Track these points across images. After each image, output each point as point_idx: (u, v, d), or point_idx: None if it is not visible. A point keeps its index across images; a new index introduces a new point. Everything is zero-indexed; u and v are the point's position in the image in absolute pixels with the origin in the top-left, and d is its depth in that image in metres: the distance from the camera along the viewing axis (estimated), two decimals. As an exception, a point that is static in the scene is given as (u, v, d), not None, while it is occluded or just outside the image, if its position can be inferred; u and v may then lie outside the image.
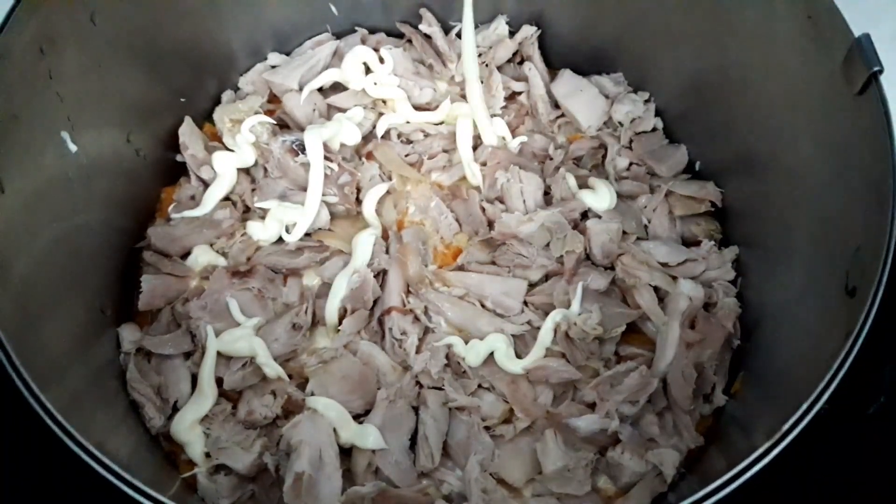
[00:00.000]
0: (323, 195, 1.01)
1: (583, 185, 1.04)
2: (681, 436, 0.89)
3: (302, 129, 1.05)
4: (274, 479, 0.87)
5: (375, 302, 0.97)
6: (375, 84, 1.11)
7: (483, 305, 0.97)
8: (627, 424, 0.88)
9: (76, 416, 0.67)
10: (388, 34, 1.18)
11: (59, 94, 0.85)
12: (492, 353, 0.93)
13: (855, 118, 0.77)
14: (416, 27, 1.16)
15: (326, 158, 1.02)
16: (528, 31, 1.14)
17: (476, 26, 1.17)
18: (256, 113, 1.07)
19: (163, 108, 1.06)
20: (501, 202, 1.04)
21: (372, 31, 1.18)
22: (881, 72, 0.74)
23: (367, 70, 1.13)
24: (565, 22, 1.14)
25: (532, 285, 0.99)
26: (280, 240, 1.02)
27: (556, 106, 1.14)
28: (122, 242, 1.00)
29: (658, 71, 1.10)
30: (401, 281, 0.98)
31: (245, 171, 1.06)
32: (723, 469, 0.66)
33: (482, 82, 1.13)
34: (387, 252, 1.00)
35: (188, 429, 0.88)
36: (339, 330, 0.95)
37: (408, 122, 1.11)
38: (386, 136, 1.11)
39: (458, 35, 1.17)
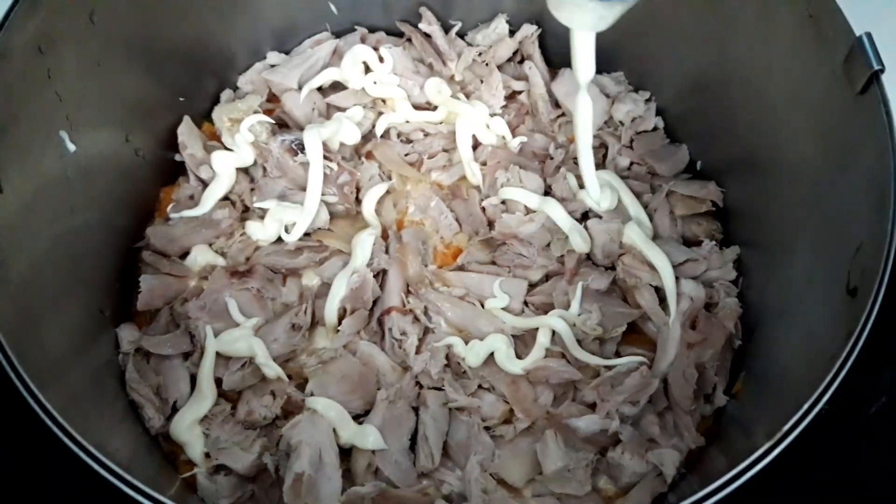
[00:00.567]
0: (322, 195, 1.01)
1: (583, 184, 1.04)
2: (681, 436, 0.89)
3: (301, 129, 1.04)
4: (274, 479, 0.87)
5: (375, 302, 0.97)
6: (375, 83, 1.11)
7: (483, 306, 0.97)
8: (628, 425, 0.88)
9: (75, 417, 0.67)
10: (388, 33, 1.18)
11: (58, 93, 0.85)
12: (492, 354, 0.92)
13: (856, 117, 0.77)
14: (415, 26, 1.16)
15: (326, 158, 1.02)
16: (529, 30, 1.14)
17: (476, 25, 1.17)
18: (255, 112, 1.06)
19: (162, 108, 1.06)
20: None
21: (371, 30, 1.17)
22: (882, 71, 0.74)
23: (367, 69, 1.12)
24: (565, 21, 1.13)
25: (532, 285, 0.99)
26: (279, 240, 1.01)
27: (557, 105, 1.14)
28: (121, 242, 1.00)
29: (659, 70, 1.10)
30: (400, 281, 0.98)
31: (244, 171, 1.06)
32: (723, 469, 0.66)
33: (482, 81, 1.13)
34: (386, 252, 1.00)
35: (187, 429, 0.88)
36: (338, 330, 0.95)
37: (407, 122, 1.11)
38: (385, 135, 1.10)
39: (458, 34, 1.17)
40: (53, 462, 0.72)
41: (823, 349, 0.71)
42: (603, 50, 1.13)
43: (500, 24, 1.14)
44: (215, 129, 1.10)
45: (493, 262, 1.01)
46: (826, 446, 0.84)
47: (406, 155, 1.09)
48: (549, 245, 1.00)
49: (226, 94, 1.14)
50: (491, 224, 1.02)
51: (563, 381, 0.91)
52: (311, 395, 0.90)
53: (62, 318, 0.83)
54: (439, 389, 0.91)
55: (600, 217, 1.00)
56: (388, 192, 1.07)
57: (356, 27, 1.17)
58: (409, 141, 1.11)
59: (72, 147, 0.88)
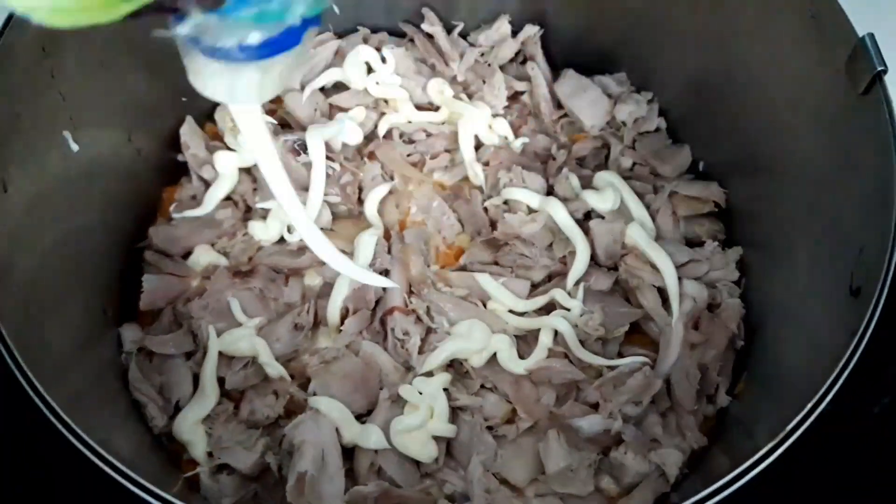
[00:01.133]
0: (325, 195, 1.01)
1: (586, 185, 1.04)
2: (684, 436, 0.89)
3: (303, 129, 1.04)
4: (277, 478, 0.87)
5: (377, 302, 0.97)
6: (377, 84, 1.11)
7: (485, 306, 0.97)
8: (630, 425, 0.88)
9: (79, 415, 0.67)
10: (391, 34, 1.18)
11: (62, 93, 0.85)
12: (494, 354, 0.93)
13: (859, 118, 0.77)
14: (418, 27, 1.16)
15: (328, 158, 1.02)
16: (531, 31, 1.14)
17: (478, 25, 1.17)
18: (258, 112, 1.06)
19: (164, 108, 1.06)
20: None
21: (374, 31, 1.17)
22: (885, 72, 0.74)
23: (369, 70, 1.13)
24: (568, 21, 1.14)
25: (535, 286, 0.99)
26: (282, 240, 1.01)
27: (559, 106, 1.14)
28: (124, 242, 1.00)
29: (661, 71, 1.10)
30: (403, 281, 0.98)
31: (246, 171, 1.06)
32: (726, 469, 0.66)
33: (485, 82, 1.13)
34: (389, 252, 1.00)
35: (190, 428, 0.88)
36: (340, 330, 0.95)
37: (410, 122, 1.11)
38: (388, 135, 1.10)
39: (461, 35, 1.17)
40: (58, 460, 0.72)
41: (826, 349, 0.71)
42: (606, 50, 1.14)
43: (503, 25, 1.14)
44: (218, 129, 1.10)
45: (496, 263, 1.01)
46: (829, 447, 0.84)
47: (408, 155, 1.09)
48: (551, 245, 1.00)
49: (228, 95, 1.14)
50: (493, 224, 1.02)
51: (566, 381, 0.91)
52: (314, 394, 0.90)
53: (65, 318, 0.83)
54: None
55: (603, 217, 1.00)
56: (390, 192, 1.07)
57: (358, 28, 1.17)
58: (411, 141, 1.11)
59: (75, 147, 0.88)
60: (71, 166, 0.88)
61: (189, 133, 1.07)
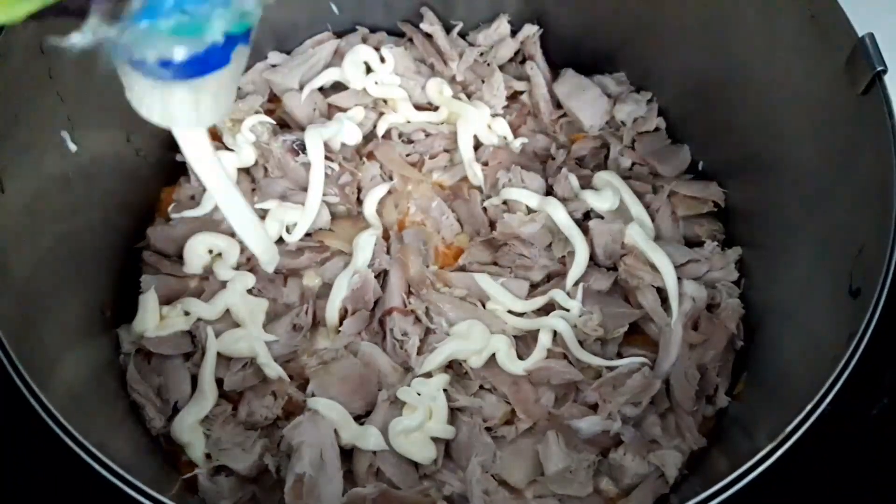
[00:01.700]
0: (324, 195, 1.01)
1: (585, 185, 1.04)
2: (683, 437, 0.89)
3: (302, 129, 1.04)
4: (275, 480, 0.86)
5: (376, 303, 0.97)
6: (376, 83, 1.11)
7: (484, 306, 0.97)
8: (630, 426, 0.88)
9: (76, 417, 0.67)
10: (390, 33, 1.18)
11: (60, 93, 0.85)
12: (493, 355, 0.92)
13: (858, 118, 0.77)
14: (417, 26, 1.15)
15: (327, 158, 1.02)
16: (530, 31, 1.14)
17: (477, 25, 1.17)
18: (256, 112, 1.06)
19: (163, 108, 1.06)
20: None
21: (373, 30, 1.17)
22: (885, 72, 0.74)
23: (368, 69, 1.12)
24: (567, 21, 1.13)
25: (534, 286, 0.99)
26: (280, 240, 1.01)
27: (559, 105, 1.13)
28: (122, 242, 1.00)
29: (661, 71, 1.10)
30: (402, 281, 0.97)
31: (245, 171, 1.06)
32: (725, 470, 0.66)
33: (484, 82, 1.13)
34: (388, 252, 1.00)
35: (189, 430, 0.88)
36: (339, 331, 0.95)
37: (409, 122, 1.11)
38: (387, 135, 1.10)
39: (460, 35, 1.17)
40: (55, 462, 0.72)
41: (825, 350, 0.71)
42: (605, 50, 1.14)
43: (502, 25, 1.14)
44: (216, 129, 1.10)
45: (495, 263, 1.01)
46: (828, 448, 0.83)
47: (407, 155, 1.09)
48: (550, 245, 1.00)
49: (227, 95, 1.14)
50: (492, 224, 1.02)
51: (565, 381, 0.91)
52: (313, 395, 0.90)
53: (63, 319, 0.83)
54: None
55: (602, 217, 1.00)
56: (389, 192, 1.06)
57: (357, 27, 1.17)
58: (410, 141, 1.11)
59: (73, 147, 0.87)
60: (69, 166, 0.87)
61: (188, 133, 1.06)
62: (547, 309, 0.96)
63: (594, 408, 0.90)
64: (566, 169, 1.05)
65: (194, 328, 0.94)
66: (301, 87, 1.11)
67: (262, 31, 1.12)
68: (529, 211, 1.02)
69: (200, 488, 0.86)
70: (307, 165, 1.01)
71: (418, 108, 1.12)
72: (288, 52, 1.16)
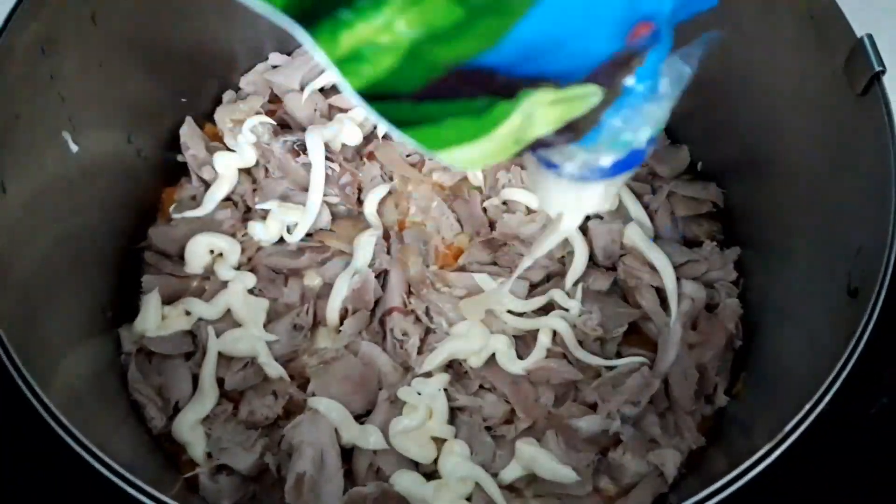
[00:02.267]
0: (324, 196, 1.01)
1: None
2: (682, 436, 0.89)
3: (303, 130, 1.04)
4: (275, 479, 0.87)
5: (377, 302, 0.97)
6: (377, 84, 1.11)
7: (484, 306, 0.97)
8: (629, 425, 0.88)
9: (77, 416, 0.67)
10: (390, 34, 1.18)
11: (61, 94, 0.85)
12: (493, 354, 0.93)
13: (857, 119, 0.77)
14: (417, 27, 1.15)
15: (328, 159, 1.02)
16: (530, 32, 1.14)
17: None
18: (257, 113, 1.07)
19: (164, 109, 1.06)
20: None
21: (373, 31, 1.17)
22: (884, 72, 0.74)
23: (369, 70, 1.12)
24: (567, 22, 1.13)
25: (533, 286, 0.99)
26: (281, 240, 1.02)
27: (558, 106, 1.13)
28: (123, 243, 1.00)
29: (660, 71, 1.10)
30: (402, 281, 0.98)
31: (246, 172, 1.06)
32: (724, 470, 0.66)
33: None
34: (388, 252, 1.00)
35: (190, 429, 0.88)
36: (340, 330, 0.95)
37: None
38: (387, 136, 1.10)
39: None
40: (55, 461, 0.72)
41: (824, 350, 0.71)
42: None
43: (502, 26, 1.14)
44: (217, 129, 1.10)
45: (495, 263, 1.01)
46: (827, 447, 0.83)
47: (408, 156, 1.09)
48: (550, 245, 1.01)
49: (228, 95, 1.14)
50: (492, 225, 1.03)
51: (565, 381, 0.91)
52: (313, 395, 0.91)
53: (64, 319, 0.83)
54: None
55: (601, 218, 1.00)
56: (389, 192, 1.07)
57: (358, 28, 1.17)
58: (410, 142, 1.11)
59: (74, 148, 0.88)
60: (70, 167, 0.88)
61: (189, 134, 1.07)
62: (546, 309, 0.96)
63: (593, 407, 0.90)
64: (566, 169, 1.05)
65: (195, 328, 0.94)
66: (302, 88, 1.11)
67: (262, 32, 1.13)
68: (529, 211, 1.02)
69: (201, 487, 0.86)
70: (308, 166, 1.01)
71: (418, 108, 1.12)
72: (289, 54, 1.17)
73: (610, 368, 0.92)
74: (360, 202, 1.06)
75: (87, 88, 0.89)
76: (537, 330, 0.94)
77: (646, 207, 1.03)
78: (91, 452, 0.65)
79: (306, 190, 1.01)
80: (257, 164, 1.05)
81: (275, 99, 1.13)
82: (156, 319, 0.93)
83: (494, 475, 0.87)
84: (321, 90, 1.13)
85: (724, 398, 0.92)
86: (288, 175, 1.04)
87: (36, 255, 0.80)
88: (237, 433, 0.88)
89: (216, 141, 1.09)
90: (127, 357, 0.92)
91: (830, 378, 0.67)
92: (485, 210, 1.04)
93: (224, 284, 0.97)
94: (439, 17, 0.42)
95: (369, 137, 1.11)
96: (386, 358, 0.93)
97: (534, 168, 0.60)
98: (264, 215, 1.02)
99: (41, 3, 0.79)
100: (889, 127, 0.73)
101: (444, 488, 0.85)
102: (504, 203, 1.03)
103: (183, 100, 1.08)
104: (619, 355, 0.95)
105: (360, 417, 0.90)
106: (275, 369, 0.91)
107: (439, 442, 0.89)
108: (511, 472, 0.87)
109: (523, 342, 0.95)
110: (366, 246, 0.98)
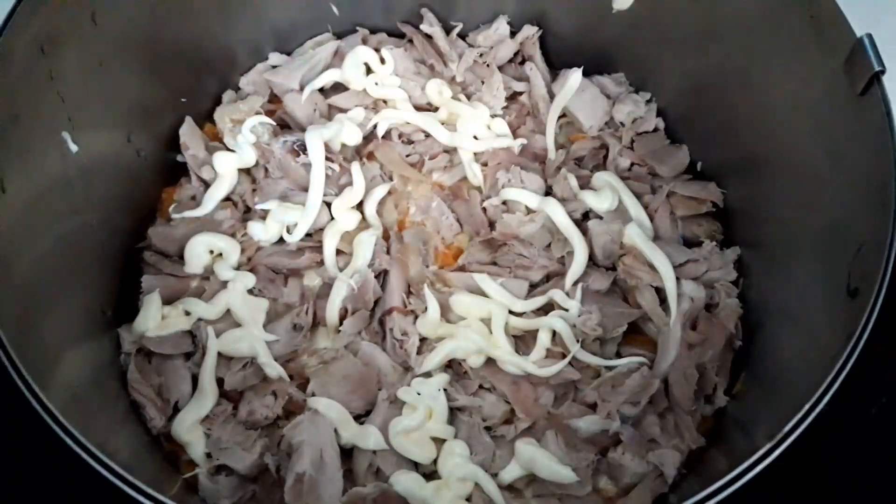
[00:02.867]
0: (324, 195, 1.01)
1: (584, 185, 1.04)
2: (682, 436, 0.89)
3: (303, 130, 1.04)
4: (275, 479, 0.87)
5: (376, 302, 0.97)
6: (376, 84, 1.11)
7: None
8: (628, 425, 0.88)
9: (77, 417, 0.67)
10: (390, 34, 1.18)
11: (61, 94, 0.85)
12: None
13: (857, 119, 0.77)
14: (417, 27, 1.16)
15: (327, 159, 1.02)
16: (530, 31, 1.14)
17: (477, 26, 1.17)
18: (257, 113, 1.07)
19: (164, 109, 1.06)
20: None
21: (373, 31, 1.18)
22: (883, 72, 0.74)
23: (368, 70, 1.13)
24: (567, 22, 1.14)
25: (533, 286, 0.99)
26: (281, 240, 1.01)
27: (558, 106, 1.14)
28: (123, 243, 1.00)
29: (660, 71, 1.10)
30: (402, 281, 0.98)
31: (246, 172, 1.06)
32: (724, 470, 0.66)
33: (483, 82, 1.13)
34: (388, 252, 1.00)
35: (189, 429, 0.88)
36: (339, 330, 0.95)
37: (407, 123, 1.11)
38: (387, 136, 1.10)
39: (459, 35, 1.17)
40: (55, 462, 0.72)
41: (824, 350, 0.71)
42: (604, 50, 1.14)
43: (502, 26, 1.14)
44: (217, 129, 1.10)
45: (494, 263, 1.01)
46: (827, 447, 0.84)
47: (407, 156, 1.09)
48: (549, 245, 1.00)
49: (227, 95, 1.14)
50: (492, 225, 1.03)
51: (564, 381, 0.91)
52: (313, 395, 0.91)
53: (64, 319, 0.83)
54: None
55: (601, 217, 1.00)
56: (389, 192, 1.07)
57: (357, 28, 1.17)
58: (410, 142, 1.11)
59: (74, 147, 0.88)
60: (70, 167, 0.88)
61: (188, 134, 1.07)
62: (546, 309, 0.96)
63: (593, 407, 0.90)
64: (565, 169, 1.05)
65: (195, 328, 0.94)
66: (301, 88, 1.11)
67: (262, 32, 1.13)
68: (529, 211, 1.02)
69: (201, 488, 0.86)
70: (308, 166, 1.01)
71: (418, 108, 1.12)
72: (288, 53, 1.17)
73: (610, 368, 0.92)
74: (359, 202, 1.06)
75: (87, 88, 0.89)
76: (537, 330, 0.93)
77: (646, 207, 1.03)
78: (90, 453, 0.65)
79: (306, 190, 1.01)
80: (257, 163, 1.05)
81: (274, 99, 1.13)
82: (155, 319, 0.93)
83: (494, 475, 0.87)
84: (321, 90, 1.13)
85: (723, 398, 0.92)
86: (287, 175, 1.04)
87: (35, 255, 0.80)
88: (237, 433, 0.88)
89: (216, 141, 1.09)
90: (126, 357, 0.93)
91: (830, 378, 0.67)
92: (484, 210, 1.04)
93: (224, 284, 0.97)
94: None
95: (369, 137, 1.11)
96: (385, 358, 0.93)
97: None
98: (264, 215, 1.02)
99: (41, 2, 0.79)
100: (888, 126, 0.73)
101: (444, 488, 0.85)
102: (504, 203, 1.03)
103: (183, 99, 1.08)
104: (618, 355, 0.95)
105: (360, 417, 0.90)
106: (274, 369, 0.91)
107: (439, 442, 0.89)
108: (511, 473, 0.87)
109: (523, 342, 0.95)
110: (365, 246, 0.98)
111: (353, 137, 1.08)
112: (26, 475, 0.92)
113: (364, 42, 1.15)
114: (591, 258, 0.99)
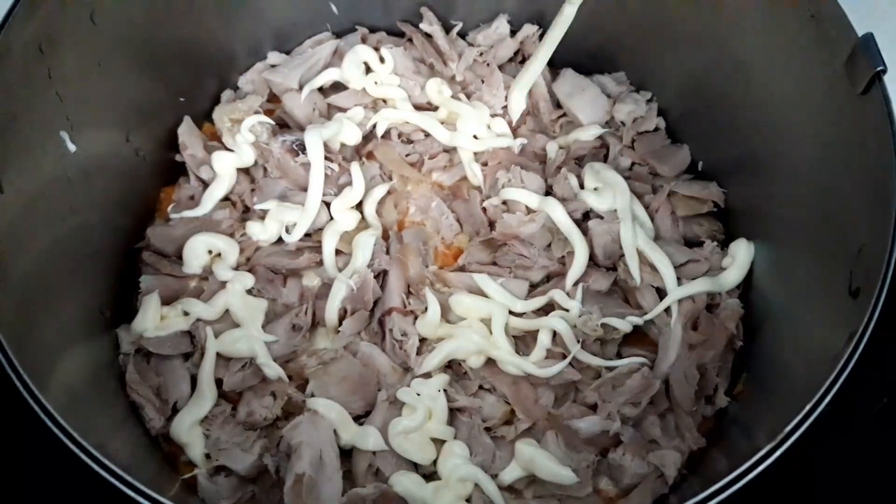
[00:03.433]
0: (323, 195, 1.01)
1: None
2: (682, 437, 0.89)
3: (302, 129, 1.04)
4: (274, 480, 0.86)
5: (376, 303, 0.97)
6: (376, 83, 1.11)
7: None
8: (629, 426, 0.88)
9: (75, 418, 0.67)
10: (389, 33, 1.18)
11: (59, 93, 0.85)
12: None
13: (858, 118, 0.77)
14: (416, 26, 1.15)
15: (327, 158, 1.02)
16: (530, 30, 1.14)
17: (477, 25, 1.17)
18: (256, 112, 1.06)
19: (162, 108, 1.06)
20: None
21: (372, 31, 1.17)
22: (885, 71, 0.74)
23: (368, 69, 1.12)
24: (567, 21, 1.13)
25: (533, 286, 0.99)
26: (280, 240, 1.01)
27: (558, 105, 1.13)
28: (121, 242, 1.00)
29: (660, 70, 1.10)
30: (401, 281, 0.97)
31: (245, 171, 1.06)
32: (725, 470, 0.66)
33: (483, 82, 1.13)
34: (387, 252, 1.00)
35: (188, 430, 0.88)
36: (339, 331, 0.95)
37: (407, 123, 1.11)
38: (386, 135, 1.10)
39: (459, 34, 1.17)
40: (53, 463, 0.72)
41: (825, 350, 0.71)
42: (605, 50, 1.14)
43: (502, 25, 1.14)
44: (216, 129, 1.10)
45: (494, 263, 1.00)
46: (828, 447, 0.84)
47: (407, 155, 1.09)
48: (549, 245, 1.00)
49: (226, 95, 1.14)
50: (492, 224, 1.02)
51: (565, 381, 0.91)
52: (312, 395, 0.90)
53: (62, 319, 0.83)
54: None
55: (601, 217, 1.00)
56: (388, 192, 1.06)
57: (357, 27, 1.17)
58: (409, 141, 1.11)
59: (72, 147, 0.88)
60: (68, 166, 0.88)
61: (187, 133, 1.06)
62: (546, 309, 0.96)
63: (593, 408, 0.90)
64: (566, 169, 1.05)
65: (193, 328, 0.94)
66: (301, 88, 1.11)
67: (261, 31, 1.13)
68: (529, 211, 1.02)
69: (200, 488, 0.86)
70: (307, 165, 1.01)
71: (418, 107, 1.12)
72: (287, 53, 1.16)
73: (610, 369, 0.92)
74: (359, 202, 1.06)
75: (86, 88, 0.89)
76: (537, 330, 0.93)
77: (646, 207, 1.02)
78: (89, 454, 0.65)
79: (305, 189, 1.00)
80: (256, 163, 1.05)
81: (273, 98, 1.13)
82: (154, 320, 0.93)
83: (494, 476, 0.87)
84: (320, 89, 1.12)
85: (724, 399, 0.92)
86: (287, 175, 1.04)
87: (33, 255, 0.80)
88: (236, 434, 0.87)
89: (214, 140, 1.09)
90: (125, 357, 0.92)
91: (831, 378, 0.67)
92: (484, 210, 1.04)
93: (222, 284, 0.97)
94: None
95: (368, 137, 1.10)
96: (385, 358, 0.93)
97: None
98: (263, 215, 1.02)
99: (39, 2, 0.79)
100: (890, 126, 0.73)
101: (444, 489, 0.85)
102: (504, 203, 1.03)
103: (181, 99, 1.08)
104: (619, 356, 0.95)
105: (360, 418, 0.90)
106: (273, 370, 0.91)
107: (439, 443, 0.88)
108: (511, 473, 0.87)
109: (523, 342, 0.95)
110: (365, 246, 0.97)
111: (353, 137, 1.07)
112: (26, 476, 0.92)
113: (363, 41, 1.15)
114: (592, 258, 0.99)
